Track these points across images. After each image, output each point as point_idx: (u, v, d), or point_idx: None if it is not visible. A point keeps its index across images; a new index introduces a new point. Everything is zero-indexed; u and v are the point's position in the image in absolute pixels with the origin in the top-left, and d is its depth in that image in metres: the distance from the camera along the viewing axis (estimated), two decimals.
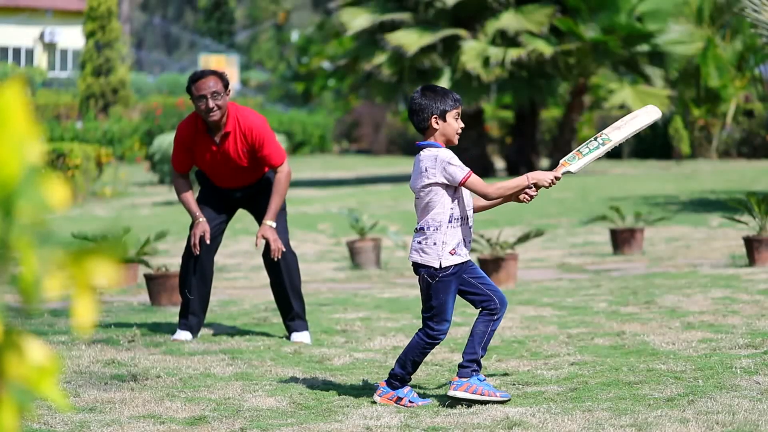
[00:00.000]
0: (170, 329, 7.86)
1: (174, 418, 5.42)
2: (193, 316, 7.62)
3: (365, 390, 5.98)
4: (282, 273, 7.55)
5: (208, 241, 7.49)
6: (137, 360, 6.83)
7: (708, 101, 33.05)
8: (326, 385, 6.12)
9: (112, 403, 5.73)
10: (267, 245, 7.55)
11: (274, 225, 7.44)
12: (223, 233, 7.73)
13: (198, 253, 7.49)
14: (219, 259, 13.45)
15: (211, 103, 7.31)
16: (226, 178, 7.60)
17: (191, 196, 7.54)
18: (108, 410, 5.58)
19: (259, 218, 7.62)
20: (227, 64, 46.58)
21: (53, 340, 7.48)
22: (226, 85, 7.39)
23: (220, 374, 6.46)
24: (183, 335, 7.58)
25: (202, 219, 7.50)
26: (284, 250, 7.47)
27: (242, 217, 14.77)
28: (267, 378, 6.35)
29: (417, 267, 5.64)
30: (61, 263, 1.83)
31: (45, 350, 1.89)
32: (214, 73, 7.42)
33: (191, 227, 7.51)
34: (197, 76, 7.39)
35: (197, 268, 7.58)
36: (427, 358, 6.90)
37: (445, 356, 6.90)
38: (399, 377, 5.68)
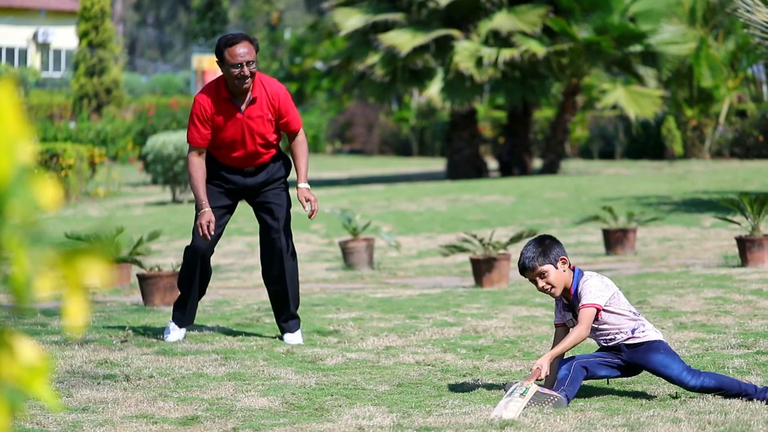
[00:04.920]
0: (163, 329, 7.84)
1: (167, 418, 5.42)
2: (189, 313, 7.62)
3: (358, 390, 5.98)
4: (286, 279, 7.49)
5: (212, 232, 7.25)
6: (130, 360, 6.83)
7: (701, 101, 33.09)
8: (319, 385, 6.12)
9: (104, 403, 5.72)
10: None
11: (308, 186, 7.34)
12: (222, 231, 7.64)
13: (209, 239, 7.31)
14: (212, 258, 13.43)
15: (246, 71, 7.11)
16: (241, 152, 7.34)
17: (203, 181, 7.26)
18: (100, 410, 5.58)
19: (259, 210, 7.50)
20: None
21: (45, 340, 7.47)
22: (257, 49, 7.22)
23: (212, 374, 6.46)
24: (176, 335, 7.56)
25: (207, 208, 7.23)
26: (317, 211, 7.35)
27: (235, 217, 14.77)
28: (259, 378, 6.36)
29: None
30: (53, 263, 1.84)
31: (37, 350, 1.89)
32: (246, 37, 7.19)
33: (196, 217, 7.28)
34: (230, 41, 7.12)
35: (201, 266, 7.53)
36: (420, 357, 6.91)
37: (437, 356, 6.91)
38: None
